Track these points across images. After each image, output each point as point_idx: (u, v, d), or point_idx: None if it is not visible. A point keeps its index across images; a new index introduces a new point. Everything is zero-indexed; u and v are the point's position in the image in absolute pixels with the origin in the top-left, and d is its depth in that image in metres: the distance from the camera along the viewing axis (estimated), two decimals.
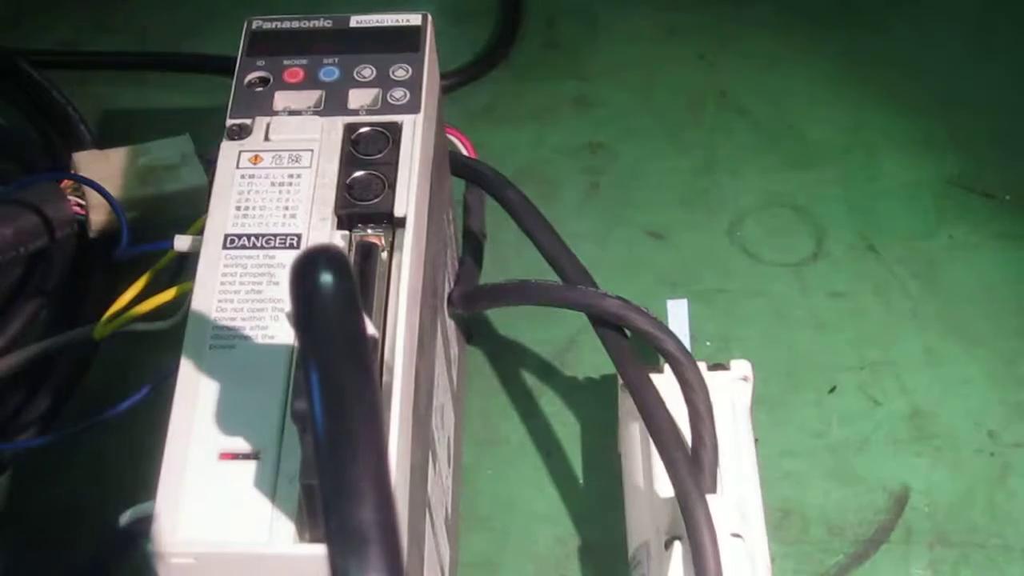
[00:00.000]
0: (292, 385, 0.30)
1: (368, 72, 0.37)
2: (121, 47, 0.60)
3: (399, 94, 0.36)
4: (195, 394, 0.30)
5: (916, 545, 0.43)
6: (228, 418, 0.29)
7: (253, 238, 0.33)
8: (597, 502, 0.45)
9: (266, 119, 0.35)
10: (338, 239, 0.33)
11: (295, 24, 0.38)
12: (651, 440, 0.38)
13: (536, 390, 0.48)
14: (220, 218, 0.33)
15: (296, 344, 0.31)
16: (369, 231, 0.33)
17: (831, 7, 0.63)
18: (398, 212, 0.33)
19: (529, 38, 0.62)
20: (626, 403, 0.43)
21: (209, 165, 0.48)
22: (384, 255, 0.33)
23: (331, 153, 0.34)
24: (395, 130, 0.35)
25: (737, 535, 0.36)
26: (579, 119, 0.58)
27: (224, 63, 0.50)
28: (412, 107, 0.36)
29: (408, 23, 0.38)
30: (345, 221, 0.33)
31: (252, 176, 0.34)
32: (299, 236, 0.33)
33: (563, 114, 0.58)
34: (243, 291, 0.32)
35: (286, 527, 0.28)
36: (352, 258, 0.32)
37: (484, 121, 0.58)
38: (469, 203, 0.47)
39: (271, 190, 0.34)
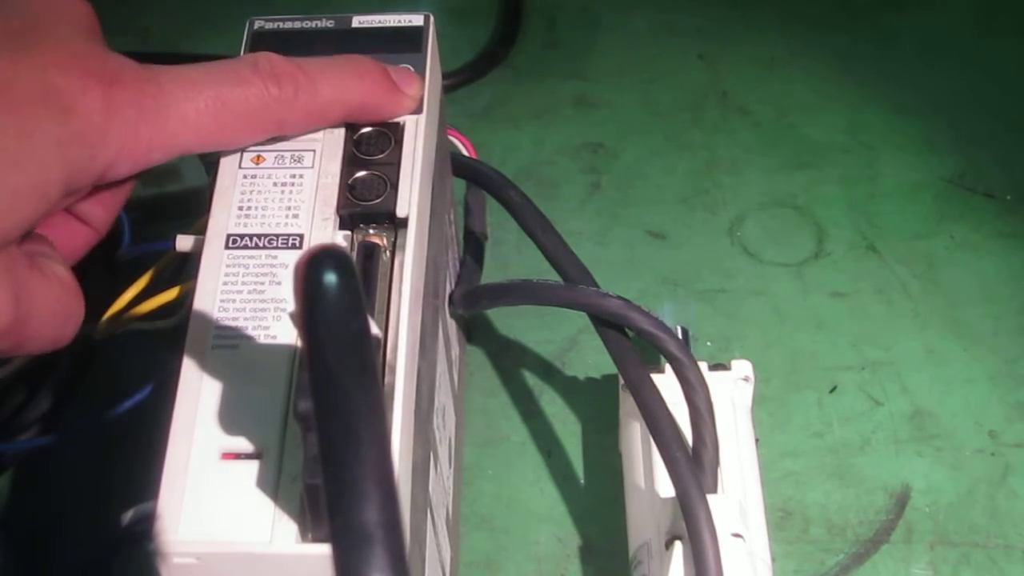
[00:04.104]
0: (294, 385, 0.30)
1: None
2: (122, 47, 0.59)
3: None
4: (197, 394, 0.30)
5: (917, 545, 0.43)
6: (230, 418, 0.29)
7: (255, 238, 0.33)
8: (598, 502, 0.45)
9: None
10: (340, 239, 0.33)
11: (297, 24, 0.38)
12: (652, 440, 0.38)
13: (537, 390, 0.48)
14: (222, 218, 0.33)
15: (299, 344, 0.31)
16: (371, 231, 0.33)
17: (831, 8, 0.63)
18: (400, 212, 0.33)
19: (529, 38, 0.62)
20: (627, 403, 0.43)
21: (210, 166, 0.48)
22: (386, 255, 0.33)
23: (333, 153, 0.34)
24: (397, 130, 0.35)
25: (738, 535, 0.36)
26: (579, 119, 0.58)
27: None
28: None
29: (410, 23, 0.38)
30: (347, 221, 0.33)
31: (254, 176, 0.34)
32: (301, 236, 0.33)
33: (563, 114, 0.58)
34: (245, 291, 0.32)
35: (289, 527, 0.28)
36: (354, 258, 0.32)
37: (484, 121, 0.58)
38: (470, 203, 0.47)
39: (273, 190, 0.34)
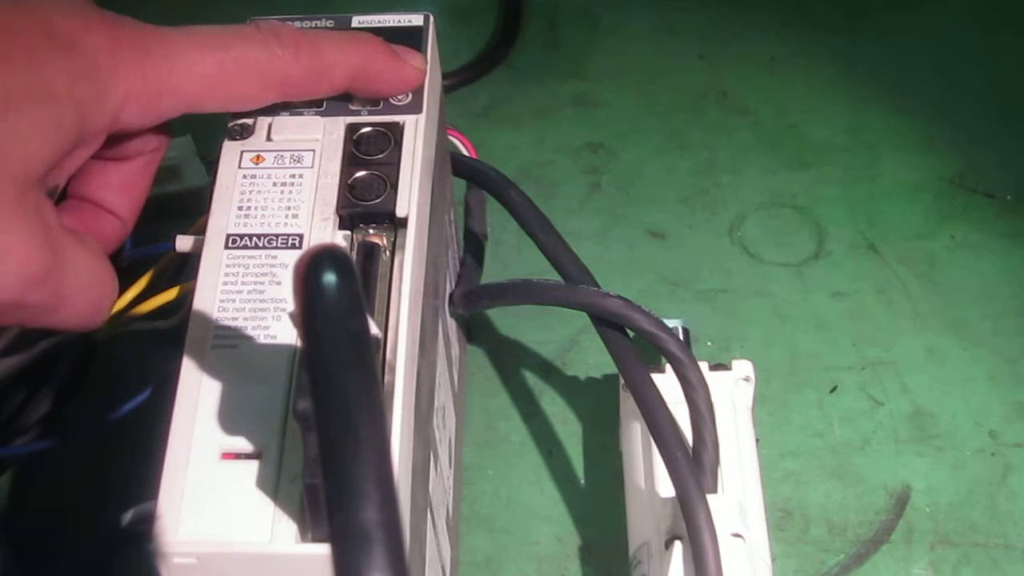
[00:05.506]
0: (294, 384, 0.30)
1: None
2: None
3: (401, 94, 0.36)
4: (197, 394, 0.30)
5: (917, 545, 0.43)
6: (230, 418, 0.29)
7: (255, 238, 0.33)
8: (598, 502, 0.45)
9: (268, 119, 0.35)
10: (340, 239, 0.33)
11: (297, 24, 0.37)
12: (652, 440, 0.38)
13: (537, 390, 0.48)
14: (222, 218, 0.33)
15: (298, 344, 0.31)
16: (371, 231, 0.33)
17: (831, 8, 0.63)
18: (400, 212, 0.33)
19: (529, 38, 0.62)
20: (627, 403, 0.43)
21: (210, 166, 0.48)
22: (386, 255, 0.33)
23: (333, 153, 0.34)
24: (397, 130, 0.35)
25: (738, 535, 0.36)
26: (579, 119, 0.58)
27: None
28: (414, 107, 0.35)
29: (410, 23, 0.38)
30: (347, 221, 0.33)
31: (254, 176, 0.34)
32: (301, 236, 0.33)
33: (563, 114, 0.58)
34: (245, 291, 0.32)
35: (288, 527, 0.28)
36: (354, 258, 0.32)
37: (484, 121, 0.58)
38: (470, 203, 0.47)
39: (273, 190, 0.34)
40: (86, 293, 0.31)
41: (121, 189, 0.35)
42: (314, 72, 0.34)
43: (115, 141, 0.33)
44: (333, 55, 0.34)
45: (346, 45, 0.35)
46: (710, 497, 0.36)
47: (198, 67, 0.32)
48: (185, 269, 0.38)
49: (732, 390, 0.42)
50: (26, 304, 0.29)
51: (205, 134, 0.48)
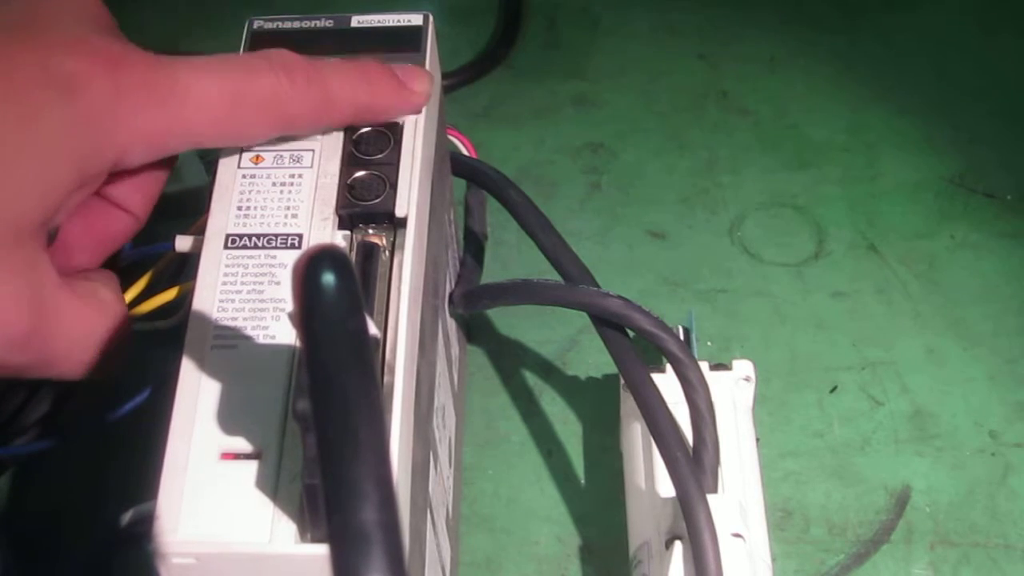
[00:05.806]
0: (293, 384, 0.30)
1: None
2: None
3: None
4: (196, 394, 0.30)
5: (917, 545, 0.43)
6: (229, 418, 0.29)
7: (254, 238, 0.33)
8: (598, 502, 0.45)
9: None
10: (339, 239, 0.33)
11: (296, 24, 0.38)
12: (652, 440, 0.38)
13: (537, 389, 0.48)
14: (221, 218, 0.33)
15: (298, 344, 0.31)
16: (370, 231, 0.33)
17: (831, 8, 0.63)
18: (399, 212, 0.33)
19: (529, 38, 0.62)
20: (628, 403, 0.43)
21: (210, 165, 0.48)
22: (385, 255, 0.33)
23: (332, 153, 0.34)
24: (396, 130, 0.35)
25: (738, 535, 0.36)
26: (579, 119, 0.58)
27: None
28: None
29: (409, 23, 0.38)
30: (346, 221, 0.33)
31: (253, 176, 0.34)
32: (300, 236, 0.33)
33: (563, 114, 0.58)
34: (244, 291, 0.32)
35: (287, 527, 0.28)
36: (354, 258, 0.32)
37: (484, 121, 0.58)
38: (470, 203, 0.47)
39: (272, 190, 0.34)
40: (83, 353, 0.31)
41: (134, 187, 0.34)
42: (320, 111, 0.33)
43: None
44: (340, 93, 0.34)
45: (354, 82, 0.34)
46: (710, 497, 0.36)
47: (206, 107, 0.31)
48: (184, 269, 0.38)
49: (732, 390, 0.42)
50: (8, 365, 0.29)
51: None
